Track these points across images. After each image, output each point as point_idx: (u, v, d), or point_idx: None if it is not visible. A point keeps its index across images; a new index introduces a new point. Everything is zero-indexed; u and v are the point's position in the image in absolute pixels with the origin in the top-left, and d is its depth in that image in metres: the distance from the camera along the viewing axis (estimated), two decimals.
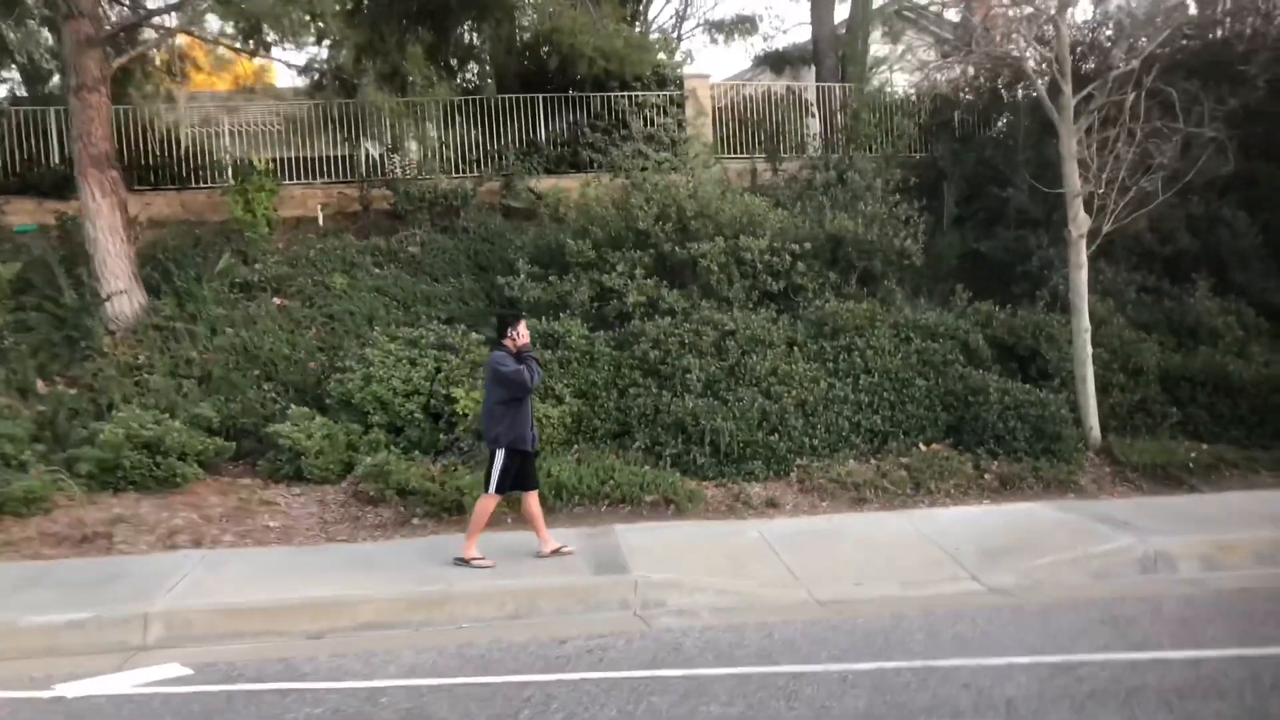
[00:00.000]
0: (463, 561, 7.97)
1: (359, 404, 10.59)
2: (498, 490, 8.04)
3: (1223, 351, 12.05)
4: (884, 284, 13.03)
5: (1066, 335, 11.87)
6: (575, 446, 10.64)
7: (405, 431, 10.58)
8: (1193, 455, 10.72)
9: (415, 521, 9.26)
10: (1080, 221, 10.99)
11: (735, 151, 17.41)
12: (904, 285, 13.37)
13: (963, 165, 14.97)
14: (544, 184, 15.59)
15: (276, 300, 13.13)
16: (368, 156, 16.93)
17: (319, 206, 15.87)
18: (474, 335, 11.36)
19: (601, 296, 12.10)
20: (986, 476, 10.39)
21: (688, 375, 10.89)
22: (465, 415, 10.46)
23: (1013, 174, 14.09)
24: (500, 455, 7.93)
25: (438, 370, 10.87)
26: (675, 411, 10.44)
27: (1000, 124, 15.80)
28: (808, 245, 12.33)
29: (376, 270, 13.91)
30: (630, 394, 10.90)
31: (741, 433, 10.36)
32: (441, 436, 10.52)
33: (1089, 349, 11.19)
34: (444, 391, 10.62)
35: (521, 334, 8.19)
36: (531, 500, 8.29)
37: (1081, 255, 11.10)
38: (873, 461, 10.72)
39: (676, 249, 12.20)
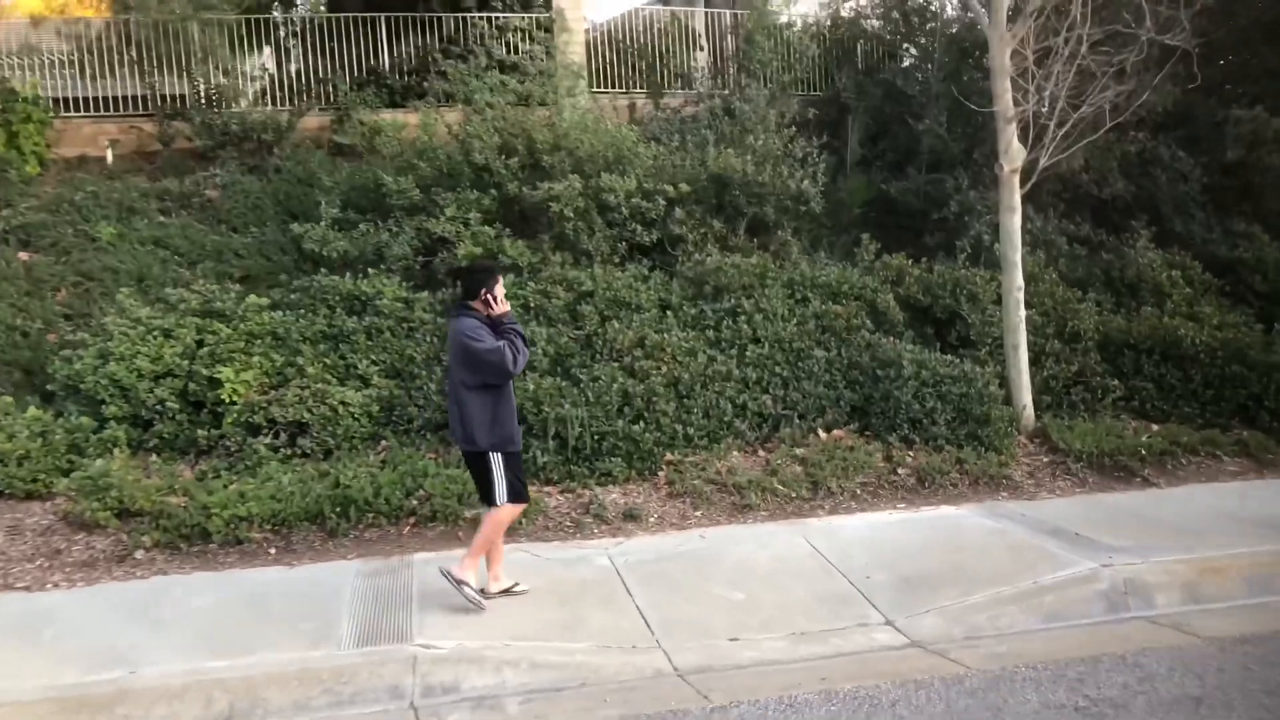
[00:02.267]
0: (452, 578, 5.79)
1: (91, 390, 7.86)
2: (513, 497, 5.88)
3: (1170, 313, 10.05)
4: (777, 234, 10.74)
5: (992, 294, 9.74)
6: (382, 442, 8.11)
7: (155, 426, 7.91)
8: (1144, 440, 8.68)
9: (140, 555, 6.65)
10: (1014, 153, 8.79)
11: (613, 86, 14.89)
12: (801, 236, 11.11)
13: (869, 98, 12.76)
14: (384, 118, 12.82)
15: (22, 255, 10.22)
16: (171, 87, 13.89)
17: (107, 144, 12.89)
18: (253, 298, 8.67)
19: (429, 249, 9.52)
20: (901, 472, 8.19)
21: (532, 349, 8.40)
22: (233, 403, 7.84)
23: (926, 106, 11.87)
24: (496, 458, 5.79)
25: (199, 344, 8.20)
26: (517, 393, 7.93)
27: (910, 50, 13.54)
28: (686, 187, 9.90)
29: (162, 218, 11.07)
30: None
31: (597, 421, 7.95)
32: (203, 432, 7.87)
33: (1022, 311, 9.06)
34: (206, 372, 7.96)
35: (498, 297, 5.85)
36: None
37: (1014, 196, 8.91)
38: (761, 454, 8.43)
39: (524, 190, 9.67)
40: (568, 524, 7.29)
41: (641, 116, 13.43)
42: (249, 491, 7.10)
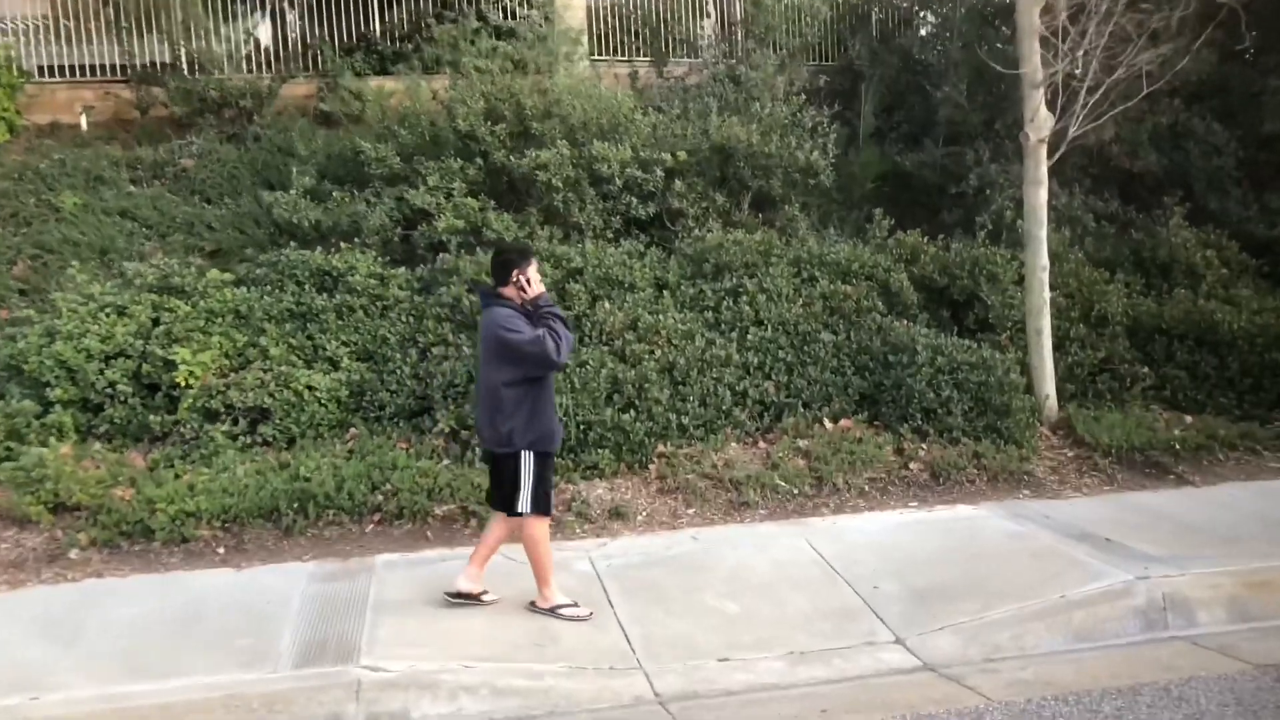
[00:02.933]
0: (543, 611, 5.39)
1: (35, 371, 7.23)
2: (540, 508, 5.29)
3: (1204, 295, 9.31)
4: (784, 209, 10.00)
5: (1014, 274, 9.02)
6: (350, 430, 7.46)
7: (105, 411, 7.28)
8: (1177, 433, 7.97)
9: (74, 554, 6.05)
10: (1041, 121, 8.04)
11: (614, 54, 14.12)
12: (809, 211, 10.39)
13: (884, 66, 11.96)
14: (373, 85, 12.11)
15: None
16: (150, 52, 13.19)
17: (81, 110, 12.24)
18: (214, 273, 8.02)
19: (409, 222, 8.85)
20: (913, 467, 7.50)
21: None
22: (189, 387, 7.20)
23: (945, 74, 11.10)
24: (528, 461, 5.18)
25: (155, 322, 7.56)
26: None
27: (928, 16, 12.74)
28: (685, 156, 9.19)
29: (132, 188, 10.43)
30: (433, 356, 7.73)
31: (583, 410, 7.29)
32: (156, 418, 7.25)
33: (1046, 292, 8.34)
34: (161, 353, 7.32)
35: (532, 280, 5.25)
36: (499, 523, 5.51)
37: (1040, 168, 8.17)
38: (761, 446, 7.76)
39: (511, 158, 8.97)
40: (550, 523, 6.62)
41: (643, 85, 12.68)
42: (200, 484, 6.48)
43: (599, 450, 7.22)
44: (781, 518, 6.86)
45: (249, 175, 10.55)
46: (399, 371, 7.66)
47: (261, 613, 5.27)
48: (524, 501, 5.19)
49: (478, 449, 7.09)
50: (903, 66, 11.90)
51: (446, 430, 7.32)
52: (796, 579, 5.87)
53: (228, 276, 8.06)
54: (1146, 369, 8.79)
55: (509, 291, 5.20)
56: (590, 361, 7.53)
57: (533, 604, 5.40)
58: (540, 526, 5.31)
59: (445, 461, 7.09)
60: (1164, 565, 5.81)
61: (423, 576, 5.80)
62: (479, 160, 9.07)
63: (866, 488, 7.23)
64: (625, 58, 13.93)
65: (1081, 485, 7.44)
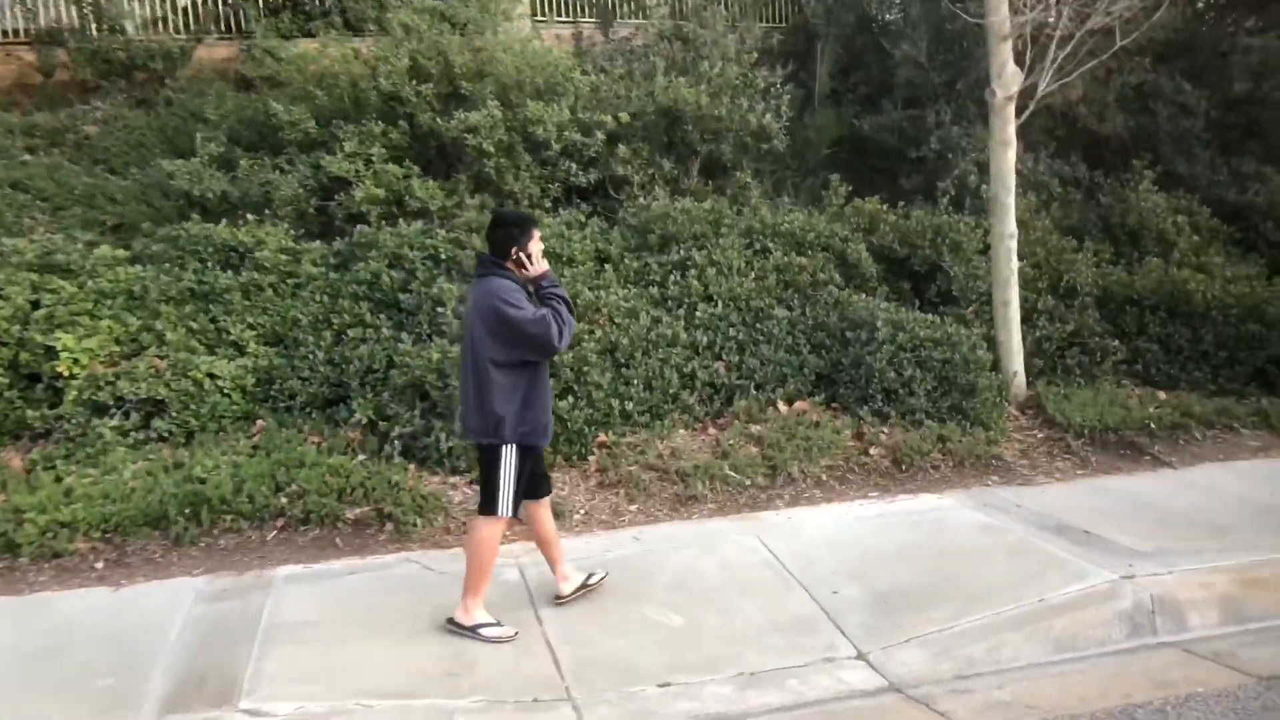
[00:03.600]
0: (462, 629, 4.68)
1: None
2: (506, 509, 4.62)
3: (1176, 264, 8.79)
4: (736, 176, 9.34)
5: (978, 243, 8.45)
6: (258, 423, 6.72)
7: None
8: (1152, 411, 7.44)
9: None
10: (1008, 77, 7.42)
11: (558, 14, 13.33)
12: (763, 178, 9.75)
13: (840, 25, 11.30)
14: (300, 48, 11.22)
15: None
16: (54, 11, 12.19)
17: None
18: (105, 250, 7.21)
19: (327, 192, 8.07)
20: (873, 452, 6.91)
21: (440, 310, 7.03)
22: (74, 377, 6.41)
23: (904, 32, 10.45)
24: (510, 455, 4.55)
25: (35, 305, 6.74)
26: (415, 366, 6.58)
27: None
28: (626, 117, 8.48)
29: (28, 157, 9.52)
30: (349, 339, 6.99)
31: None
32: (36, 413, 6.46)
33: (1014, 262, 7.76)
34: (41, 340, 6.52)
35: (535, 257, 4.61)
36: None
37: (1008, 127, 7.56)
38: (711, 432, 7.12)
39: (439, 121, 8.20)
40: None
41: (588, 46, 11.91)
42: (79, 489, 5.72)
43: None
44: (732, 512, 6.23)
45: (158, 143, 9.66)
46: (311, 356, 6.92)
47: (134, 643, 4.55)
48: (504, 503, 4.57)
49: (396, 441, 6.39)
50: (860, 25, 11.27)
51: (364, 421, 6.60)
52: (748, 583, 5.25)
53: (120, 254, 7.24)
54: (1117, 342, 8.27)
55: (509, 265, 4.57)
56: None
57: (451, 620, 4.73)
58: (497, 530, 4.69)
59: (361, 457, 6.37)
60: (1150, 561, 5.26)
61: (326, 592, 5.11)
62: (404, 124, 8.29)
63: (824, 476, 6.62)
64: (569, 18, 13.16)
65: (1053, 469, 6.88)
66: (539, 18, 12.53)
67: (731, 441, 6.81)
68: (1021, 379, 7.76)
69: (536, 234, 4.67)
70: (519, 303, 4.44)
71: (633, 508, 6.21)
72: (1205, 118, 10.35)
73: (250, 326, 7.02)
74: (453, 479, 6.37)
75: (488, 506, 4.61)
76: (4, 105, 10.83)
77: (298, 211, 7.88)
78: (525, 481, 4.66)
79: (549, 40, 10.84)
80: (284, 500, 5.88)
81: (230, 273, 7.27)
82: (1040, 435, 7.33)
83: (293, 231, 7.63)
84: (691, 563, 5.50)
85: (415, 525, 5.82)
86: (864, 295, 8.01)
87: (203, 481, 5.85)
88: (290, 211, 7.78)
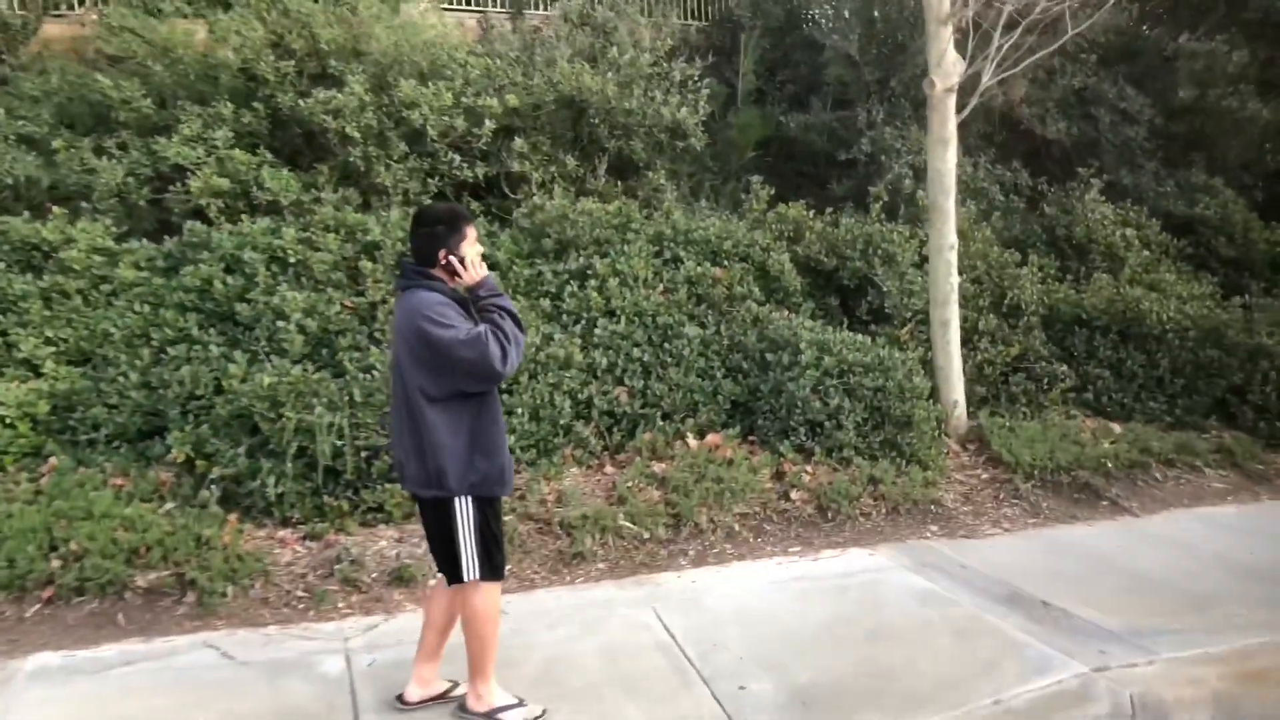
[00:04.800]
0: (478, 717, 3.70)
1: None
2: (490, 570, 3.59)
3: (1126, 280, 7.88)
4: (649, 177, 8.20)
5: (913, 255, 7.46)
6: (49, 460, 5.39)
7: None
8: (1107, 447, 6.49)
9: None
10: (948, 65, 6.42)
11: (464, 1, 12.11)
12: (680, 181, 8.67)
13: (766, 18, 10.26)
14: (172, 26, 9.82)
15: None
16: None
17: None
18: None
19: (165, 181, 6.75)
20: (795, 497, 5.82)
21: (282, 324, 5.78)
22: None
23: (835, 26, 9.44)
24: (465, 510, 3.51)
25: None
26: (242, 393, 5.31)
27: None
28: (514, 100, 7.33)
29: None
30: (169, 358, 5.70)
31: (365, 431, 5.35)
32: None
33: (954, 276, 6.76)
34: None
35: (470, 261, 3.55)
36: (448, 596, 3.75)
37: (948, 124, 6.56)
38: (608, 471, 5.97)
39: (301, 102, 6.94)
40: (300, 593, 4.72)
41: (496, 37, 10.72)
42: None
43: (386, 486, 5.30)
44: (625, 573, 5.08)
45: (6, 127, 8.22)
46: (122, 379, 5.61)
47: None
48: (471, 566, 3.54)
49: (212, 485, 5.12)
50: (788, 19, 10.23)
51: (181, 460, 5.31)
52: (635, 677, 4.10)
53: None
54: (1066, 367, 7.33)
55: (438, 272, 3.52)
56: (379, 365, 5.60)
57: (463, 709, 3.72)
58: (488, 596, 3.62)
59: (169, 505, 5.09)
60: (1124, 645, 4.24)
61: (82, 696, 3.85)
62: (260, 106, 7.01)
63: (736, 527, 5.51)
64: (477, 7, 11.94)
65: (1000, 517, 5.87)
66: (444, 4, 11.30)
67: (629, 484, 5.67)
68: (962, 409, 6.76)
69: (471, 232, 3.57)
70: (448, 319, 3.37)
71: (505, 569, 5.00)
72: (1149, 126, 9.53)
73: (49, 341, 5.70)
74: (281, 533, 5.12)
75: (454, 574, 3.57)
76: None
77: (126, 204, 6.56)
78: (499, 531, 3.64)
79: (454, 31, 9.63)
80: (56, 564, 4.57)
81: (30, 276, 5.93)
82: (984, 475, 6.32)
83: (115, 229, 6.30)
84: (567, 646, 4.33)
85: (224, 595, 4.57)
86: (786, 312, 6.95)
87: None
88: (115, 204, 6.46)
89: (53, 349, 5.68)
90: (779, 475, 6.00)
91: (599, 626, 4.51)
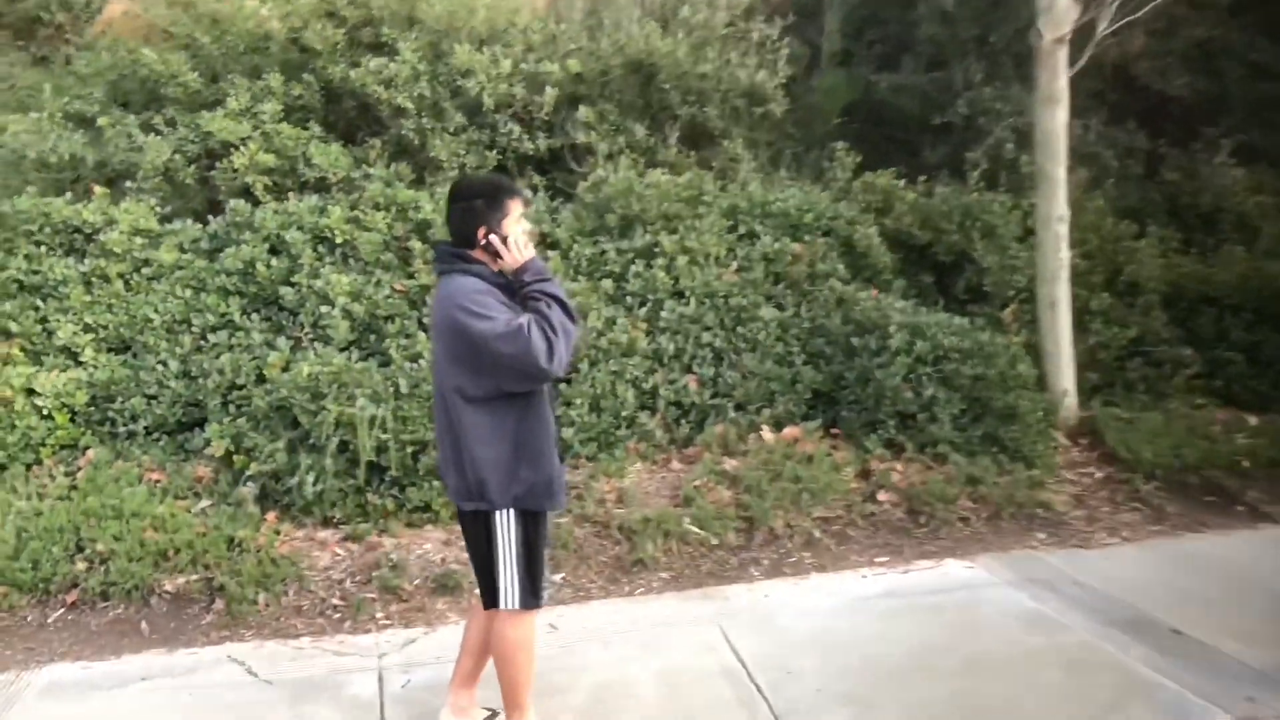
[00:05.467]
0: None
1: None
2: (529, 599, 3.15)
3: (1262, 253, 7.06)
4: (724, 146, 7.65)
5: (1016, 227, 6.77)
6: (87, 452, 5.15)
7: None
8: (1241, 443, 5.77)
9: None
10: (1060, 12, 5.72)
11: None
12: (757, 150, 8.06)
13: None
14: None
15: None
16: None
17: None
18: None
19: (213, 158, 6.47)
20: (884, 498, 5.26)
21: (326, 309, 5.44)
22: None
23: None
24: (506, 525, 3.09)
25: None
26: (284, 383, 4.99)
27: None
28: (577, 65, 6.86)
29: None
30: (209, 345, 5.41)
31: (412, 425, 4.97)
32: None
33: (1064, 251, 6.08)
34: None
35: (514, 240, 3.09)
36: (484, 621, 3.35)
37: (1058, 79, 5.87)
38: (675, 468, 5.50)
39: (351, 73, 6.58)
40: (336, 601, 4.37)
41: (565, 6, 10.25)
42: None
43: (433, 483, 4.92)
44: (690, 584, 4.61)
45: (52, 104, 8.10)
46: (162, 368, 5.34)
47: None
48: (508, 591, 3.11)
49: (249, 481, 4.80)
50: None
51: (220, 454, 5.01)
52: (696, 708, 3.64)
53: None
54: (1191, 351, 6.56)
55: (479, 254, 3.09)
56: (426, 354, 5.21)
57: None
58: (523, 625, 3.19)
59: (204, 503, 4.79)
60: (1265, 687, 3.60)
61: (96, 717, 3.54)
62: (310, 78, 6.68)
63: (816, 533, 4.99)
64: None
65: (1118, 524, 5.21)
66: None
67: (697, 483, 5.18)
68: (1073, 400, 6.09)
69: (515, 207, 3.11)
70: (486, 309, 2.94)
71: (558, 578, 4.59)
72: None
73: (89, 328, 5.46)
74: (321, 533, 4.78)
75: (491, 598, 3.15)
76: None
77: (173, 184, 6.30)
78: (541, 557, 3.18)
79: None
80: (81, 566, 4.31)
81: (72, 259, 5.70)
82: (1099, 475, 5.66)
83: (160, 209, 6.04)
84: (622, 670, 3.89)
85: (255, 603, 4.24)
86: (874, 291, 6.35)
87: None
88: (161, 183, 6.19)
89: (92, 336, 5.44)
90: (865, 474, 5.44)
91: (659, 647, 4.05)
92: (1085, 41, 6.04)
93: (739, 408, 5.78)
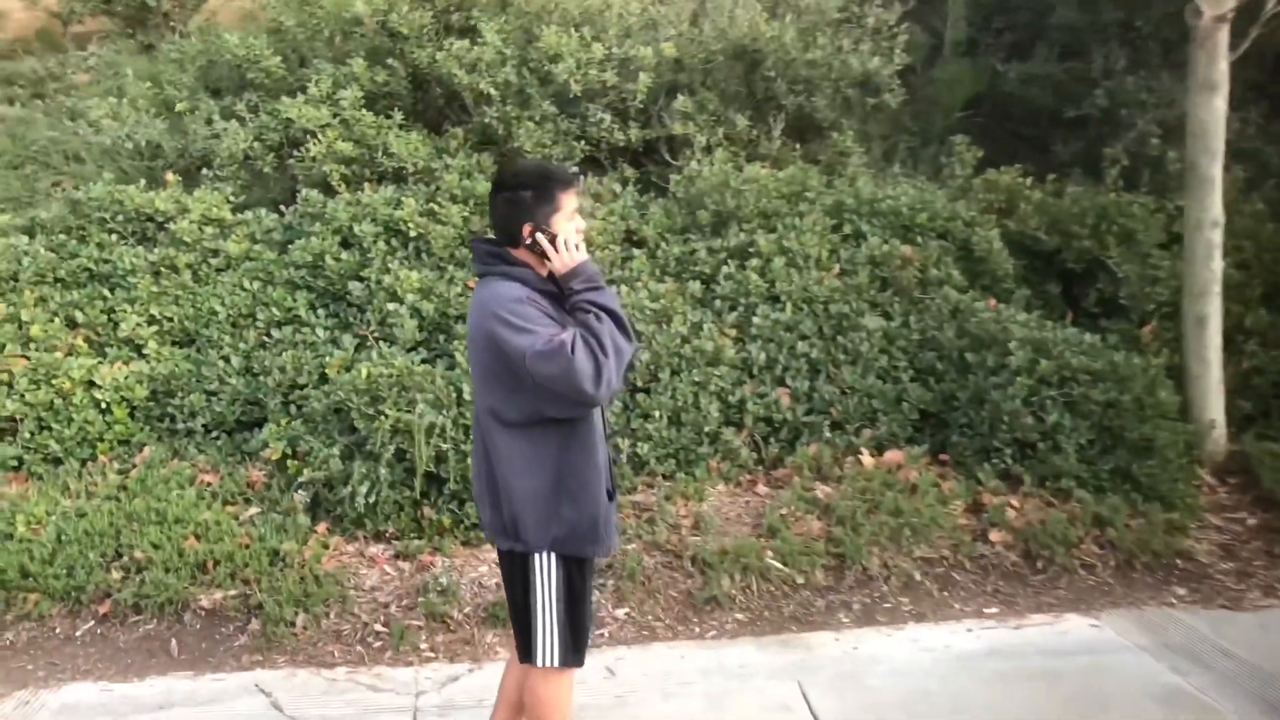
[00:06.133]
0: None
1: None
2: (568, 656, 2.69)
3: None
4: (832, 138, 7.07)
5: (1159, 233, 6.00)
6: (144, 449, 4.93)
7: None
8: None
9: None
10: None
11: None
12: (870, 144, 7.44)
13: None
14: None
15: None
16: None
17: None
18: None
19: (295, 146, 6.22)
20: (996, 539, 4.63)
21: (393, 306, 5.11)
22: None
23: None
24: (545, 570, 2.65)
25: None
26: (343, 384, 4.66)
27: None
28: (672, 49, 6.36)
29: (3, 109, 8.09)
30: (272, 342, 5.13)
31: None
32: None
33: (1216, 261, 5.31)
34: None
35: (563, 240, 2.62)
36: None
37: (1218, 63, 5.11)
38: (761, 491, 4.98)
39: (438, 58, 6.25)
40: (379, 628, 4.00)
41: None
42: None
43: None
44: (769, 628, 4.10)
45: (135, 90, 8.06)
46: (224, 364, 5.08)
47: None
48: (544, 645, 2.67)
49: (300, 489, 4.49)
50: None
51: (276, 458, 4.72)
52: None
53: (6, 220, 5.57)
54: None
55: (521, 253, 2.65)
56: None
57: None
58: (560, 685, 2.75)
59: (253, 510, 4.50)
60: None
61: None
62: (395, 63, 6.38)
63: (917, 575, 4.40)
64: None
65: (1275, 581, 4.46)
66: None
67: (783, 512, 4.65)
68: (1222, 431, 5.32)
69: (568, 201, 2.66)
70: (525, 320, 2.50)
71: (621, 612, 4.14)
72: None
73: (153, 320, 5.24)
74: (372, 549, 4.44)
75: (526, 650, 2.71)
76: (23, 53, 9.53)
77: (252, 172, 6.07)
78: (585, 610, 2.74)
79: None
80: (116, 575, 4.05)
81: (143, 248, 5.51)
82: (1251, 521, 4.89)
83: (235, 198, 5.81)
84: None
85: (291, 625, 3.90)
86: (993, 301, 5.69)
87: (10, 538, 4.07)
88: (238, 171, 5.97)
89: (156, 328, 5.22)
90: (976, 508, 4.82)
91: (727, 702, 3.56)
92: (1248, 24, 5.26)
93: (835, 427, 5.21)
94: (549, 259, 2.63)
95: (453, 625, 3.99)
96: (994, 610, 4.22)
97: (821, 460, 5.06)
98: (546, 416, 2.59)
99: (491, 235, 2.78)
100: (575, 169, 5.86)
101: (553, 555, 2.65)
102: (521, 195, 2.65)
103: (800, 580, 4.32)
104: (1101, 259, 6.05)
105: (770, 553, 4.40)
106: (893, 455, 5.08)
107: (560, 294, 2.65)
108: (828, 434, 5.17)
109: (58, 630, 3.93)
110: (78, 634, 3.93)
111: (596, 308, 2.56)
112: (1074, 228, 6.14)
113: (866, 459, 5.05)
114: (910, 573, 4.39)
